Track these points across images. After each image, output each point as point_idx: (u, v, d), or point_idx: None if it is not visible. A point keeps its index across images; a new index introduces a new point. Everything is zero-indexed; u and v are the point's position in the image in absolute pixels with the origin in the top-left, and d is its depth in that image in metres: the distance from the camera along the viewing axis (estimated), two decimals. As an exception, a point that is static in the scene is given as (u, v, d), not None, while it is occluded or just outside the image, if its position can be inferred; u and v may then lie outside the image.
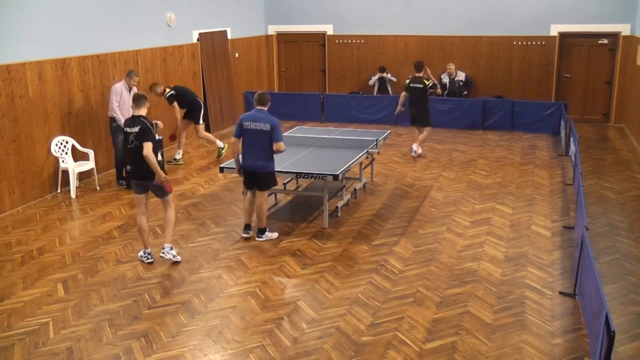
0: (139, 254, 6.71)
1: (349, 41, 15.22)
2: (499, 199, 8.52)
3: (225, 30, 13.64)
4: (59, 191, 9.03)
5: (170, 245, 6.61)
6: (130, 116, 6.54)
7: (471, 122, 13.17)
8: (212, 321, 5.36)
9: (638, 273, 6.17)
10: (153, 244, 7.09)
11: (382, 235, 7.27)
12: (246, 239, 7.17)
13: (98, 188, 9.23)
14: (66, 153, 9.01)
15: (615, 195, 8.61)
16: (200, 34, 12.64)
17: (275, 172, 7.42)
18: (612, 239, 7.04)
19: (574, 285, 5.73)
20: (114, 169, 9.71)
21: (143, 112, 6.37)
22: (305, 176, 7.32)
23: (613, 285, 5.90)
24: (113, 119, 9.08)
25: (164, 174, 6.32)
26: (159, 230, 7.54)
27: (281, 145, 6.74)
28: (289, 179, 8.75)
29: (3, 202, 8.19)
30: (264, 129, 6.67)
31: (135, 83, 9.20)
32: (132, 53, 10.59)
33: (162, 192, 6.47)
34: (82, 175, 9.37)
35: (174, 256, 6.57)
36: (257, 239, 7.10)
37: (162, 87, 10.25)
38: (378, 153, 9.14)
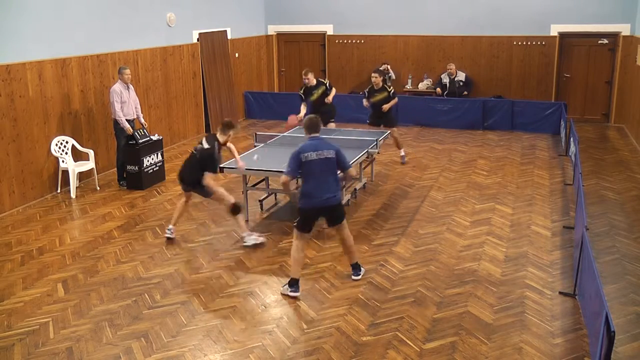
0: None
1: (349, 41, 15.22)
2: (499, 199, 8.52)
3: (225, 30, 13.64)
4: (59, 191, 9.03)
5: (247, 232, 6.99)
6: (207, 135, 6.96)
7: (471, 122, 13.18)
8: (212, 321, 5.36)
9: (638, 273, 6.17)
10: (152, 244, 7.11)
11: (382, 235, 7.27)
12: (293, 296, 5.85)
13: (98, 188, 9.23)
14: (66, 153, 9.01)
15: (615, 195, 8.61)
16: (200, 34, 12.64)
17: (275, 172, 7.41)
18: (612, 239, 7.04)
19: (574, 285, 5.73)
20: (115, 169, 9.71)
21: (221, 138, 6.79)
22: (305, 176, 7.29)
23: (613, 285, 5.90)
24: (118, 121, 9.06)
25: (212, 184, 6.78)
26: (159, 231, 7.55)
27: (352, 171, 6.23)
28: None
29: (3, 202, 8.19)
30: (328, 156, 5.77)
31: (129, 77, 9.12)
32: (132, 53, 10.59)
33: (207, 194, 6.90)
34: (82, 175, 9.37)
35: (255, 240, 6.95)
36: (354, 277, 6.10)
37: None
38: (378, 153, 9.13)
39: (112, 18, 10.09)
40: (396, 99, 10.27)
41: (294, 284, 5.81)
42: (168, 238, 7.21)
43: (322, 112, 10.08)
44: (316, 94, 10.09)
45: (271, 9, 15.63)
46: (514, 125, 13.00)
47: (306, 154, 5.70)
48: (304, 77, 10.10)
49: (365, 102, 10.31)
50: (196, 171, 6.77)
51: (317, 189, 5.71)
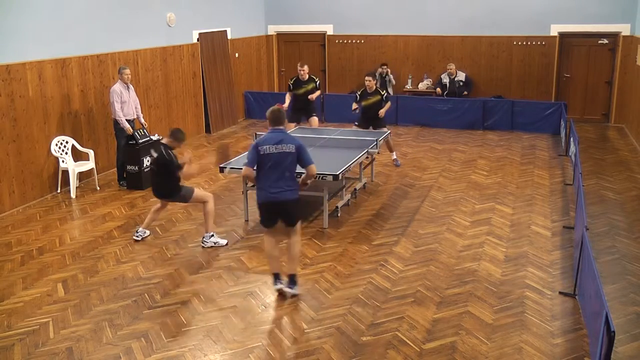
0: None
1: (349, 41, 15.22)
2: (499, 199, 8.52)
3: (225, 30, 13.64)
4: (59, 191, 9.03)
5: (209, 234, 7.02)
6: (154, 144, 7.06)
7: (471, 122, 13.18)
8: (212, 321, 5.36)
9: (638, 273, 6.17)
10: (152, 244, 7.11)
11: (382, 235, 7.27)
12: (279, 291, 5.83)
13: (98, 188, 9.23)
14: (66, 153, 9.01)
15: (615, 195, 8.61)
16: (200, 34, 12.64)
17: None
18: (612, 239, 7.04)
19: (574, 285, 5.73)
20: (115, 169, 9.70)
21: (168, 143, 6.88)
22: (305, 176, 7.30)
23: (613, 285, 5.90)
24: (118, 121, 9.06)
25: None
26: (159, 231, 7.55)
27: (313, 168, 5.68)
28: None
29: (3, 202, 8.19)
30: (287, 150, 5.54)
31: (129, 77, 9.13)
32: (132, 53, 10.59)
33: (183, 200, 7.00)
34: (82, 175, 9.37)
35: (214, 242, 7.00)
36: (287, 289, 5.73)
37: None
38: (378, 153, 9.13)
39: (112, 18, 10.09)
40: (390, 103, 10.17)
41: (275, 278, 5.82)
42: (136, 240, 7.20)
43: (306, 109, 10.43)
44: (304, 89, 10.35)
45: (271, 9, 15.63)
46: (514, 125, 13.00)
47: (264, 147, 5.50)
48: (299, 68, 10.36)
49: (354, 106, 10.13)
50: (165, 181, 6.84)
51: (269, 182, 5.53)
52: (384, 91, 10.22)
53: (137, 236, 7.22)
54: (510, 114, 12.99)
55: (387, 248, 6.87)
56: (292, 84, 10.45)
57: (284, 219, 5.71)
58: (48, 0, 8.75)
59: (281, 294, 5.77)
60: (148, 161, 6.81)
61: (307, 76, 10.33)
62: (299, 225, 5.78)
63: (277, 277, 5.81)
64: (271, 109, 5.74)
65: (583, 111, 13.76)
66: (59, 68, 8.98)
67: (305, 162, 5.62)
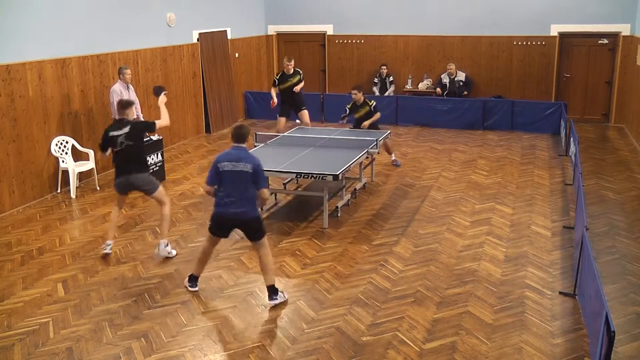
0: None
1: (349, 41, 15.22)
2: (499, 199, 8.52)
3: (225, 30, 13.64)
4: (59, 191, 9.03)
5: (164, 242, 6.69)
6: (114, 125, 6.73)
7: (471, 122, 13.18)
8: (212, 321, 5.36)
9: (638, 273, 6.17)
10: (152, 244, 7.10)
11: (382, 235, 7.27)
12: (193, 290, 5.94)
13: (98, 188, 9.23)
14: (66, 153, 9.01)
15: (615, 195, 8.61)
16: (200, 34, 12.64)
17: (275, 172, 7.42)
18: (612, 239, 7.04)
19: (574, 285, 5.73)
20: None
21: (130, 115, 6.77)
22: (305, 176, 7.32)
23: (613, 285, 5.90)
24: None
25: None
26: (159, 231, 7.54)
27: (265, 192, 5.59)
28: (289, 179, 8.75)
29: (3, 202, 8.19)
30: (244, 169, 5.42)
31: (129, 77, 9.15)
32: (132, 53, 10.59)
33: (151, 188, 6.74)
34: (82, 175, 9.37)
35: (168, 252, 6.72)
36: (270, 302, 5.60)
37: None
38: (378, 153, 9.13)
39: (112, 18, 10.09)
40: (378, 114, 9.97)
41: (192, 279, 5.93)
42: (106, 254, 6.75)
43: (294, 102, 10.54)
44: (290, 82, 10.46)
45: (271, 9, 15.63)
46: (514, 125, 13.00)
47: (223, 163, 5.44)
48: (287, 62, 10.48)
49: (342, 118, 9.97)
50: (140, 156, 6.69)
51: (225, 199, 5.47)
52: (372, 102, 10.03)
53: (108, 249, 6.79)
54: (510, 114, 12.99)
55: (387, 248, 6.87)
56: (277, 78, 10.56)
57: (247, 235, 5.66)
58: (48, 0, 8.75)
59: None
60: (121, 143, 6.51)
61: (292, 70, 10.43)
62: (265, 238, 5.63)
63: (194, 279, 5.94)
64: (235, 125, 5.70)
65: (583, 111, 13.75)
66: (59, 68, 8.98)
67: (258, 185, 5.50)
